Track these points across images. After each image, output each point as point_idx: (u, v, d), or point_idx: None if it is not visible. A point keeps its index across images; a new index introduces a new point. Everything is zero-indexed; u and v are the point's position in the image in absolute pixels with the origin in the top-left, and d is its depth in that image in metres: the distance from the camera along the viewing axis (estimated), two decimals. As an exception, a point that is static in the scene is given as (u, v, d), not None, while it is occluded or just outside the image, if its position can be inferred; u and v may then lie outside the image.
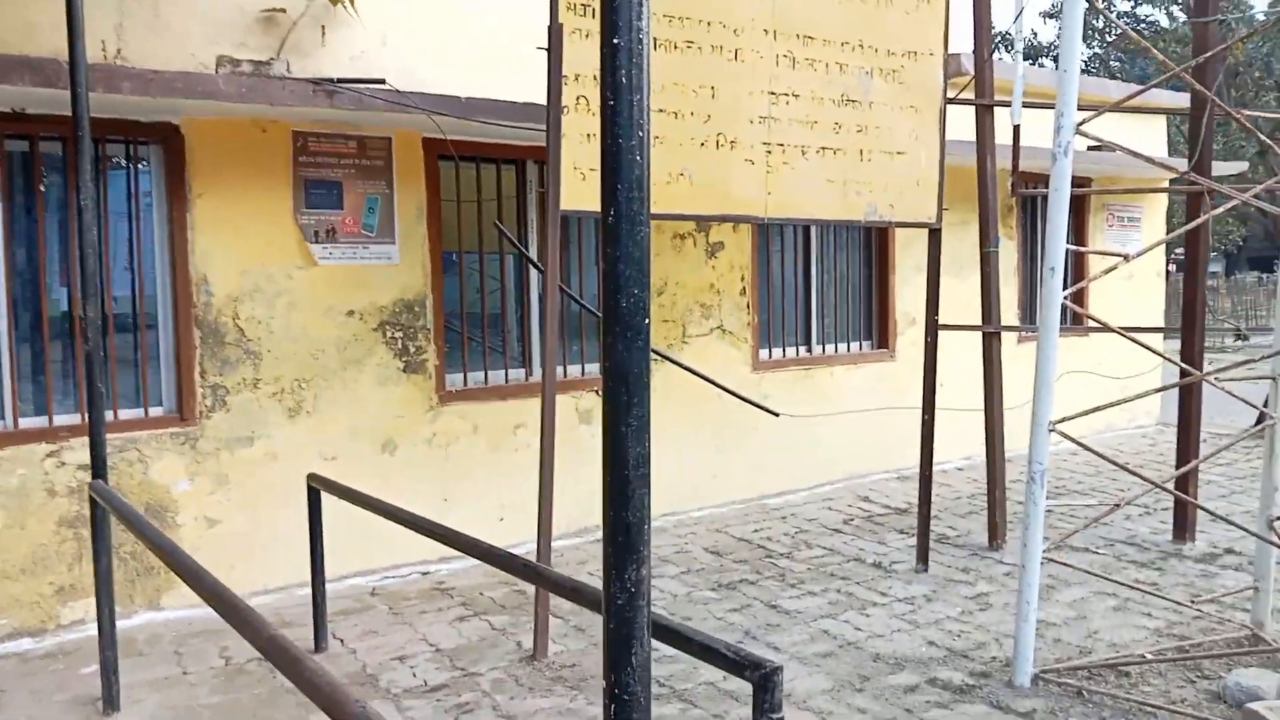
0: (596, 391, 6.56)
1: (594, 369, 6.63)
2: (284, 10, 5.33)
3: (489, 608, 5.12)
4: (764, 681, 2.04)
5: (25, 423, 4.82)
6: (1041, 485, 4.00)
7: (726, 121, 4.94)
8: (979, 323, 6.35)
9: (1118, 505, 4.17)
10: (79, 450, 4.76)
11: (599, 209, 4.51)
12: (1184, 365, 5.33)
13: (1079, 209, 9.46)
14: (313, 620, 4.58)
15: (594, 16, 4.61)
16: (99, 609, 3.96)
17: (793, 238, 7.79)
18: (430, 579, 5.64)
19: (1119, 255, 4.15)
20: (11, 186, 4.84)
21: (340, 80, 5.08)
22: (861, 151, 5.35)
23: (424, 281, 5.86)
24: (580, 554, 6.02)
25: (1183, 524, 6.14)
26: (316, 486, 4.46)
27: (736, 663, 2.15)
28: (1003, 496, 6.13)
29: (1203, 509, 4.73)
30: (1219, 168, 7.23)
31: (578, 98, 4.51)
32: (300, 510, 4.57)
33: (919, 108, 5.50)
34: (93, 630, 4.58)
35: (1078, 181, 8.22)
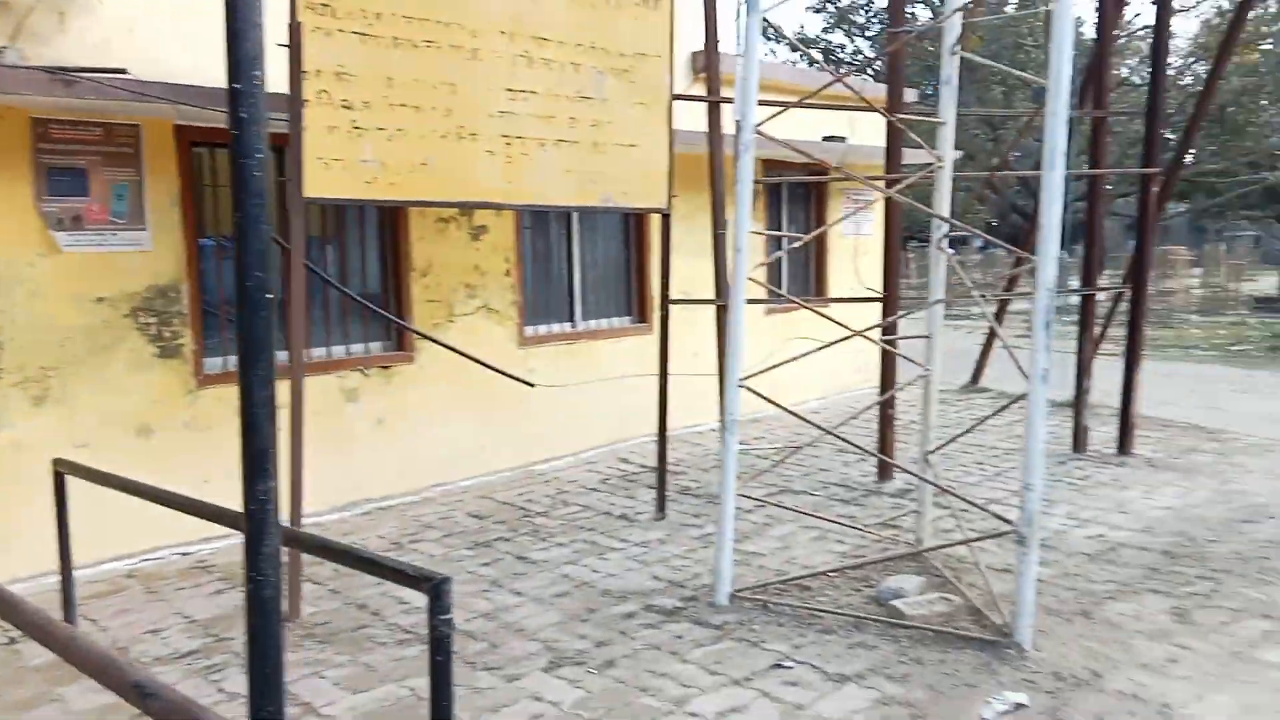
0: (362, 371, 6.84)
1: (358, 349, 6.90)
2: (14, -5, 5.27)
3: (252, 579, 5.35)
4: (435, 592, 2.52)
5: None
6: (734, 433, 4.71)
7: (467, 115, 5.35)
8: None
9: (797, 449, 4.95)
10: None
11: (342, 196, 4.84)
12: (851, 329, 6.24)
13: (819, 193, 10.51)
14: (61, 602, 4.66)
15: (334, 15, 4.90)
16: None
17: (557, 223, 8.31)
18: (191, 558, 5.78)
19: (795, 237, 4.90)
20: None
21: (79, 69, 5.09)
22: (595, 144, 5.90)
23: (178, 267, 5.94)
24: (347, 525, 6.31)
25: (885, 467, 7.16)
26: (62, 471, 4.55)
27: (413, 578, 2.61)
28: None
29: (866, 451, 5.65)
30: (913, 155, 8.26)
31: (319, 91, 4.82)
32: (52, 499, 4.62)
33: (648, 104, 6.11)
34: None
35: (815, 170, 9.21)
